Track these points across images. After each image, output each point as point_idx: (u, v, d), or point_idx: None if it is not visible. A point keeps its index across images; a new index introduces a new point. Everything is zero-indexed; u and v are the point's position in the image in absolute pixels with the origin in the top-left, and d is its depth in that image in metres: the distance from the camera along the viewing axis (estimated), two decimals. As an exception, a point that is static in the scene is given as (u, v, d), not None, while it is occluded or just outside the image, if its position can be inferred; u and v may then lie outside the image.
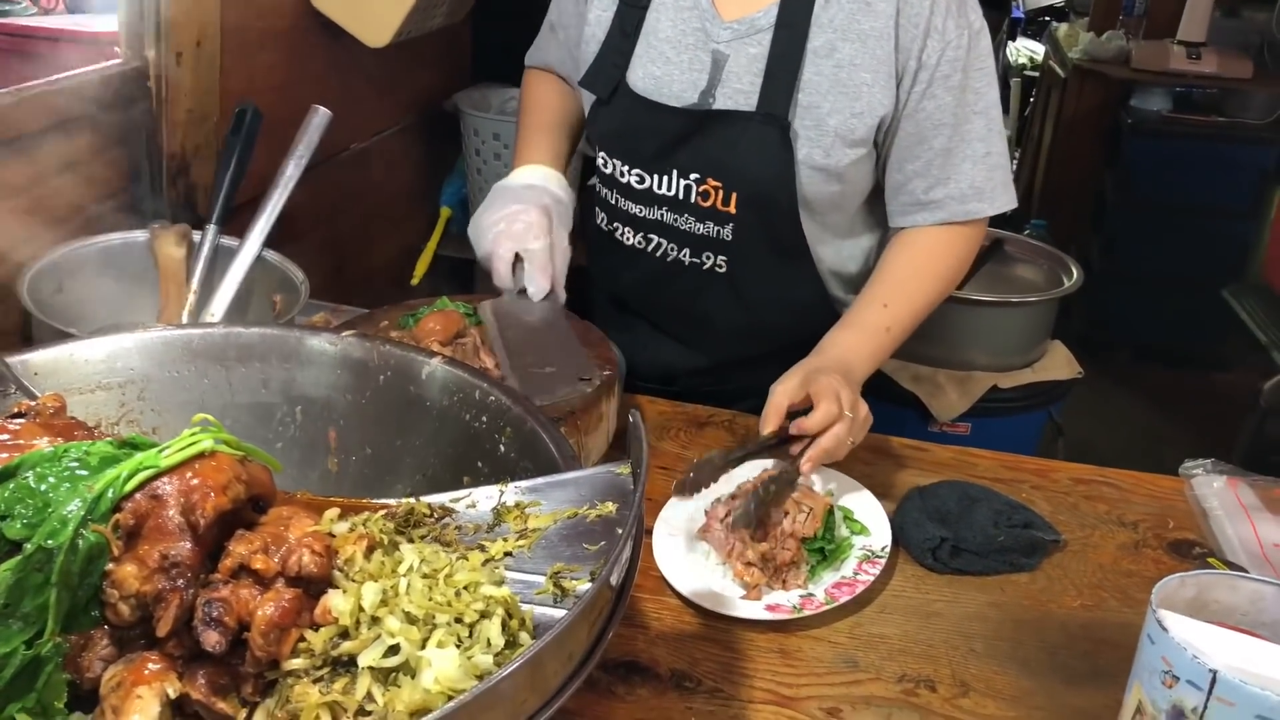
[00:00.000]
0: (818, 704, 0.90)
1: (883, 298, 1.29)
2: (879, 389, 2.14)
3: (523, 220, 1.30)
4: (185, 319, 1.28)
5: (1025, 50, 5.53)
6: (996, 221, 4.10)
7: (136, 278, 1.27)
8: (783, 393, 1.14)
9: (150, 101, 1.27)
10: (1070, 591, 1.07)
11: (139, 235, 1.25)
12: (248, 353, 1.03)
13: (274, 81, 1.51)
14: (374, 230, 1.92)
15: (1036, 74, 5.03)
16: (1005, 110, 5.49)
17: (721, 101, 1.28)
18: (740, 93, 1.27)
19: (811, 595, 1.02)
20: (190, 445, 0.66)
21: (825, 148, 1.26)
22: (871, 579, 1.03)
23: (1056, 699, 0.93)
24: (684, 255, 1.35)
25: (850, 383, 1.16)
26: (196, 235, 1.29)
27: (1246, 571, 1.05)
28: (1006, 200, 1.34)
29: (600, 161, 1.38)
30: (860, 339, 1.25)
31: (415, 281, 1.97)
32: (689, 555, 1.08)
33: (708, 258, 1.34)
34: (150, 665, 0.60)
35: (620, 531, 0.76)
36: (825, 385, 1.12)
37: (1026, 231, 3.63)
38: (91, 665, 0.63)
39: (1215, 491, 1.20)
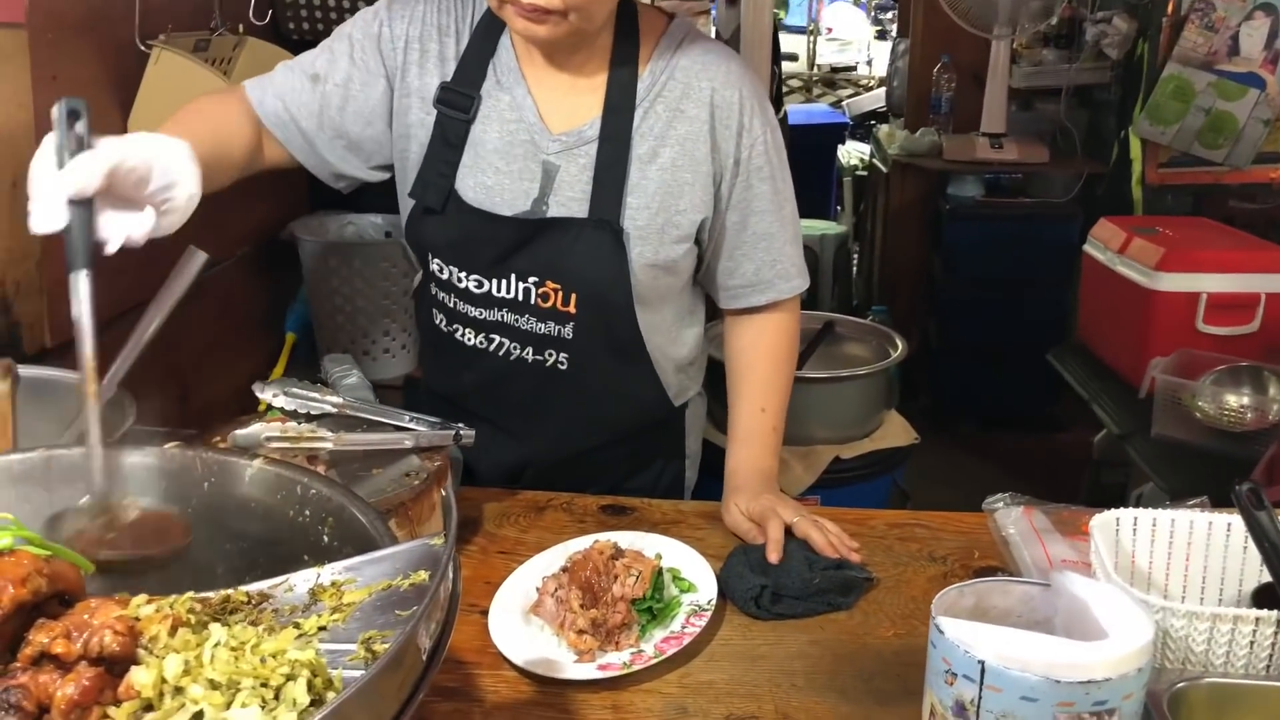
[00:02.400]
0: (647, 750, 0.95)
1: (759, 402, 1.47)
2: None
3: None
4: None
5: (855, 152, 5.90)
6: (835, 308, 4.31)
7: (-41, 416, 1.26)
8: (742, 518, 1.33)
9: (-34, 243, 1.29)
10: (885, 623, 1.15)
11: (-42, 373, 1.25)
12: (70, 473, 1.03)
13: (98, 218, 1.54)
14: (217, 359, 1.94)
15: (866, 173, 5.38)
16: (841, 207, 5.86)
17: (554, 209, 1.35)
18: (572, 200, 1.35)
19: (641, 651, 1.06)
20: (-12, 543, 0.68)
21: (654, 246, 1.37)
22: (698, 630, 1.09)
23: (872, 718, 0.99)
24: (526, 354, 1.41)
25: (773, 490, 1.38)
26: (21, 369, 1.29)
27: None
28: (808, 278, 1.52)
29: (436, 268, 1.42)
30: (759, 449, 1.45)
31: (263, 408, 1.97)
32: (525, 630, 1.11)
33: (549, 355, 1.40)
34: (-52, 758, 0.61)
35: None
36: (767, 511, 1.30)
37: (870, 317, 3.85)
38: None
39: (1013, 520, 1.31)
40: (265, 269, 2.17)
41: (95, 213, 0.99)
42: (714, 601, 1.13)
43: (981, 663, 0.82)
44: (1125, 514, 1.08)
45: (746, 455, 1.44)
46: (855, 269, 5.21)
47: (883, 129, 4.92)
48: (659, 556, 1.18)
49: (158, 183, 1.05)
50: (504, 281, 1.37)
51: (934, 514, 1.38)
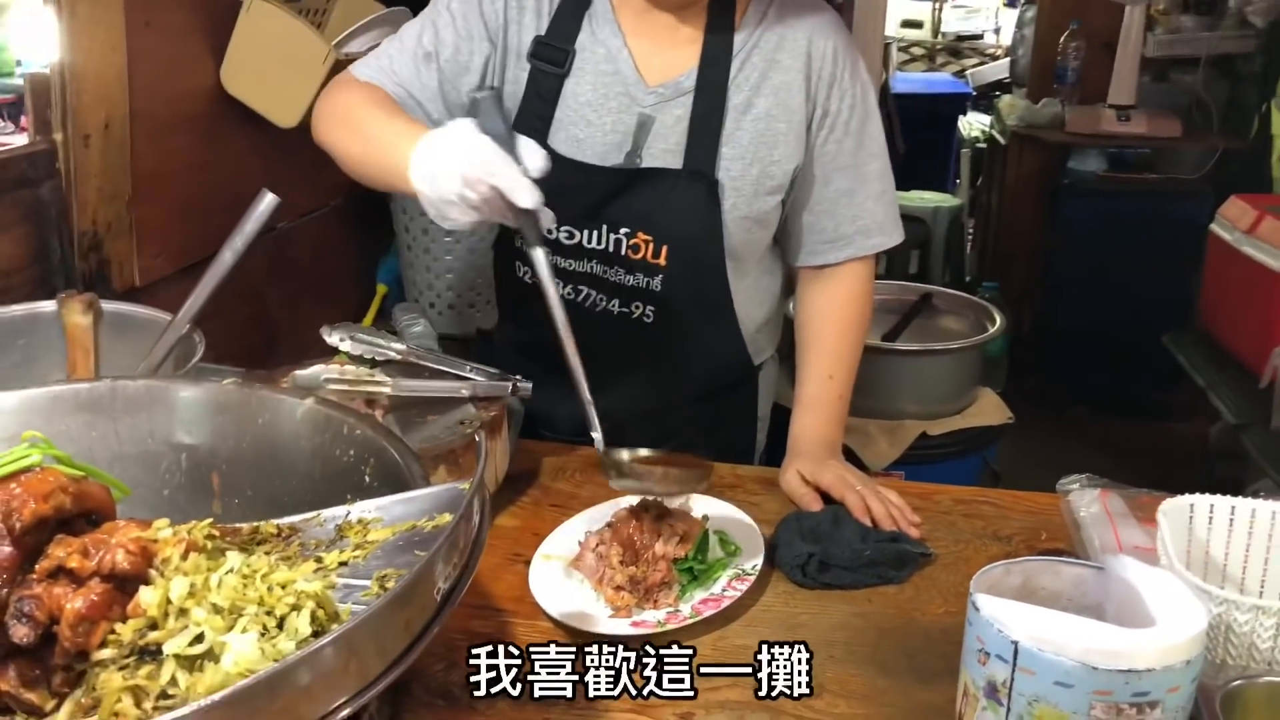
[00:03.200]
0: (672, 710, 0.93)
1: (826, 370, 1.44)
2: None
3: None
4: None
5: (976, 124, 5.69)
6: (948, 283, 4.14)
7: (46, 347, 1.32)
8: (799, 483, 1.29)
9: (59, 181, 1.34)
10: (936, 600, 1.11)
11: (46, 306, 1.31)
12: (133, 404, 1.07)
13: (189, 162, 1.60)
14: (306, 306, 1.98)
15: (985, 145, 5.19)
16: (958, 179, 5.67)
17: (649, 160, 1.35)
18: (667, 152, 1.34)
19: (678, 611, 1.05)
20: (16, 460, 0.71)
21: (748, 197, 1.36)
22: (738, 594, 1.06)
23: (908, 696, 0.95)
24: (613, 306, 1.40)
25: (838, 458, 1.35)
26: (105, 305, 1.34)
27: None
28: (898, 234, 1.48)
29: None
30: (824, 416, 1.42)
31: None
32: (565, 583, 1.11)
33: (636, 308, 1.40)
34: (-37, 661, 0.64)
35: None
36: (833, 477, 1.28)
37: (981, 294, 3.71)
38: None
39: (1087, 503, 1.24)
40: (358, 220, 2.21)
41: None
42: (758, 567, 1.10)
43: (1015, 643, 0.78)
44: (1200, 500, 1.01)
45: (811, 423, 1.41)
46: (969, 244, 5.04)
47: (1004, 99, 4.73)
48: (706, 518, 1.16)
49: None
50: (595, 232, 1.37)
51: (1004, 492, 1.32)
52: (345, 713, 0.66)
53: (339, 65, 1.61)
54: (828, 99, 1.37)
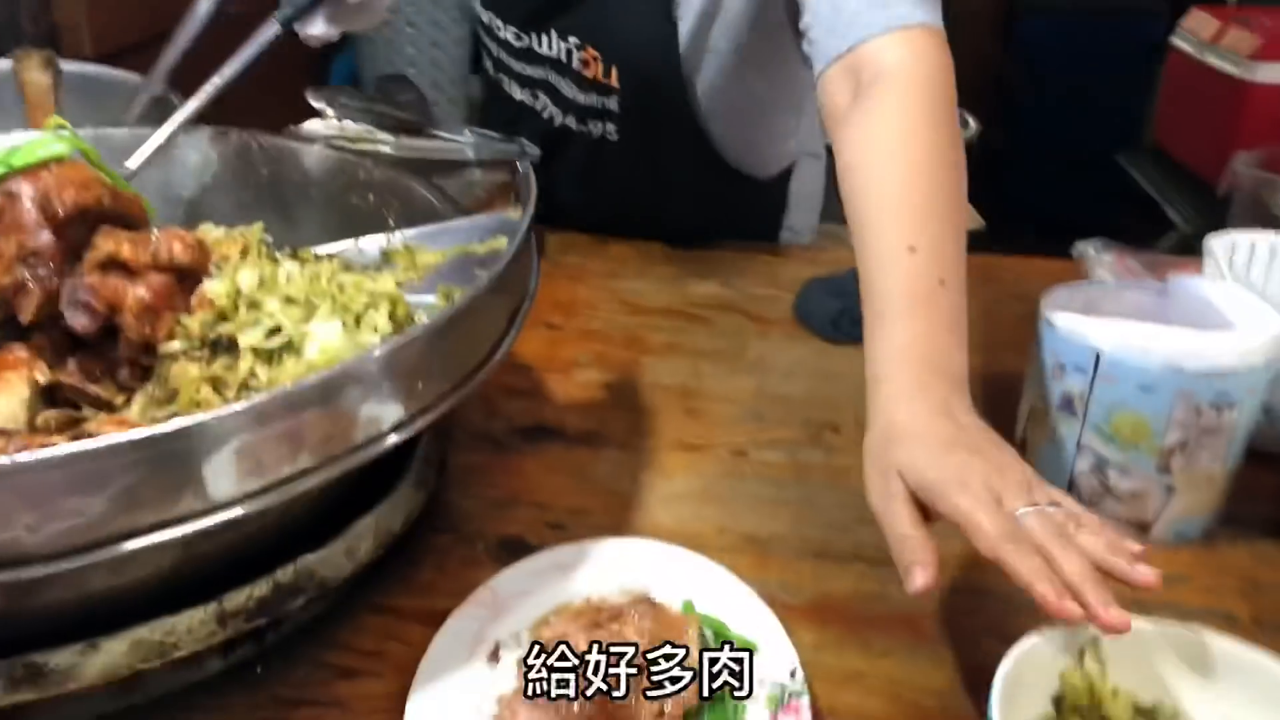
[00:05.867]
0: (725, 448, 0.91)
1: (903, 238, 0.76)
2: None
3: None
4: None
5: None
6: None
7: (1, 111, 1.21)
8: (902, 503, 0.62)
9: (2, -72, 1.21)
10: (969, 352, 1.09)
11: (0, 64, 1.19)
12: (118, 155, 0.98)
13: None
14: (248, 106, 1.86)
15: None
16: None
17: None
18: None
19: None
20: (43, 147, 0.63)
21: (719, 25, 1.13)
22: None
23: (956, 433, 0.95)
24: (570, 122, 1.27)
25: (973, 423, 0.67)
26: (64, 64, 1.22)
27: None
28: (932, 10, 0.95)
29: (479, 10, 1.28)
30: (917, 322, 0.73)
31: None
32: None
33: (596, 126, 1.25)
34: (17, 353, 0.58)
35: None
36: (970, 501, 0.60)
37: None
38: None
39: (1105, 264, 1.24)
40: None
41: None
42: (800, 675, 0.62)
43: (1098, 353, 0.77)
44: (1242, 238, 1.00)
45: (899, 338, 0.72)
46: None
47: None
48: (698, 620, 0.66)
49: None
50: (544, 37, 1.22)
51: (1020, 259, 1.32)
52: (420, 422, 0.62)
53: None
54: None
